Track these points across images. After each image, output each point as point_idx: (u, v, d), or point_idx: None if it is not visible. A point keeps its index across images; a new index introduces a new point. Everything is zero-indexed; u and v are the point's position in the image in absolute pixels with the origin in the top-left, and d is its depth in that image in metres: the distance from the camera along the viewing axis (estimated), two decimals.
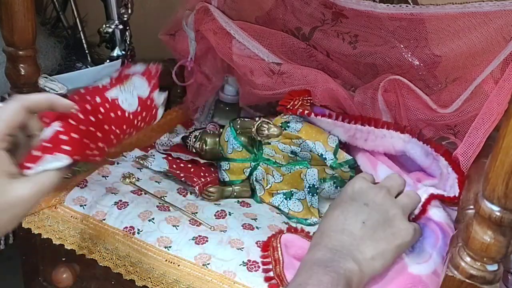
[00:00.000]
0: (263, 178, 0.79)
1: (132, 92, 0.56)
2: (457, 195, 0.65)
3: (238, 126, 0.81)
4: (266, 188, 0.78)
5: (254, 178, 0.79)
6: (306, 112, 0.76)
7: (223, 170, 0.81)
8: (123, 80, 0.56)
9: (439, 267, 0.59)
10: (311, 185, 0.75)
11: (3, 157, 0.45)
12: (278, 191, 0.77)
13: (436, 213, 0.65)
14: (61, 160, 0.47)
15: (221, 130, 0.85)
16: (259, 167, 0.79)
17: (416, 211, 0.64)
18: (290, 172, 0.77)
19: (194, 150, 0.87)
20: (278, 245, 0.63)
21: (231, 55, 0.87)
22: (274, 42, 0.88)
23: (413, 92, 0.76)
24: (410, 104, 0.77)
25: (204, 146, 0.84)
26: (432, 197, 0.66)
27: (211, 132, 0.86)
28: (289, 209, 0.76)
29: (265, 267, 0.63)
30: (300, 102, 0.78)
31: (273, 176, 0.78)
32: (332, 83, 0.81)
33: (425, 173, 0.74)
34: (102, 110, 0.53)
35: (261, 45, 0.86)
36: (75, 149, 0.49)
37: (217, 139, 0.84)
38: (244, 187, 0.80)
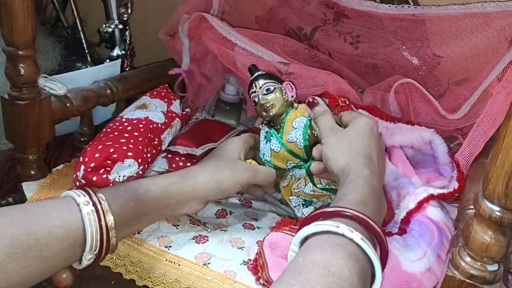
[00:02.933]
0: (297, 179, 0.75)
1: None
2: (456, 188, 0.65)
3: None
4: (293, 187, 0.75)
5: (291, 173, 0.76)
6: (352, 107, 0.75)
7: (271, 148, 0.75)
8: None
9: (433, 264, 0.59)
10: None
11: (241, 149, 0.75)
12: (301, 196, 0.75)
13: (433, 212, 0.65)
14: None
15: (297, 104, 0.76)
16: (303, 169, 0.75)
17: (412, 206, 0.65)
18: (321, 192, 0.74)
19: (256, 100, 0.75)
20: (261, 250, 0.62)
21: (235, 61, 0.84)
22: (276, 45, 0.86)
23: (423, 96, 0.76)
24: (419, 107, 0.77)
25: (272, 108, 0.74)
26: (431, 197, 0.66)
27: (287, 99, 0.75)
28: (303, 214, 0.74)
29: (255, 275, 0.62)
30: (344, 99, 0.76)
31: (306, 186, 0.74)
32: (343, 84, 0.79)
33: (436, 174, 0.74)
34: None
35: (264, 47, 0.84)
36: None
37: (288, 109, 0.75)
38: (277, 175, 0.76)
